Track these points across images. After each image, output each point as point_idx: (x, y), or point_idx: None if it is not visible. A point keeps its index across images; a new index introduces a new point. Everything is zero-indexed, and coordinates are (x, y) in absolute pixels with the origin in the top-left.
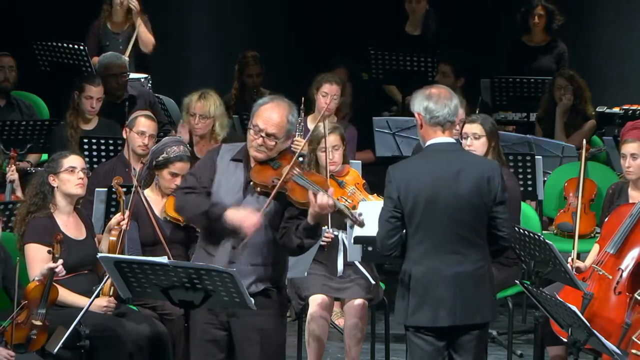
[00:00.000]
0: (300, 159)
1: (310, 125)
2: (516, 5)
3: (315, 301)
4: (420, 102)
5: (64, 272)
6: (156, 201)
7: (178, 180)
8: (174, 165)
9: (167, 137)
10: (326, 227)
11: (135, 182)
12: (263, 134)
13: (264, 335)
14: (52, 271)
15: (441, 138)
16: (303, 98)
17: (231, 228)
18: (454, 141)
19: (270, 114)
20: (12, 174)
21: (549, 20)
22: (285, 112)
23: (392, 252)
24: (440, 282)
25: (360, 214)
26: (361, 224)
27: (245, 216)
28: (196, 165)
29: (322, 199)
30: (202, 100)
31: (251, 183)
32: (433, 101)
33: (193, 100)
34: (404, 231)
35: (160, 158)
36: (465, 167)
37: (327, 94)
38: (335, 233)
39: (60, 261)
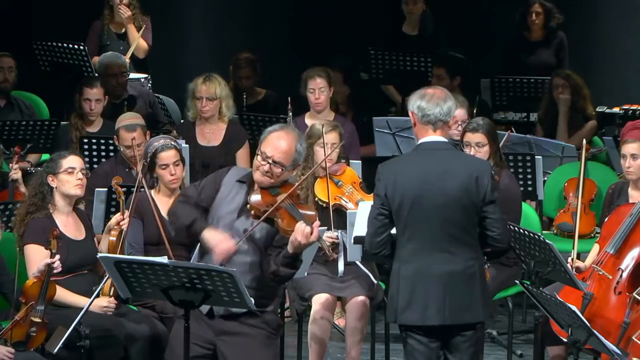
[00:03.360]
0: (299, 192)
1: (308, 122)
2: (513, 4)
3: (319, 300)
4: (414, 101)
5: (61, 268)
6: (162, 201)
7: (172, 171)
8: (159, 158)
9: (152, 138)
10: (330, 230)
11: (140, 175)
12: (270, 161)
13: (248, 355)
14: (49, 267)
15: (432, 137)
16: (290, 98)
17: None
18: (446, 140)
19: (279, 142)
20: (15, 172)
21: (547, 18)
22: (294, 141)
23: (380, 250)
24: (429, 280)
25: (335, 249)
26: (334, 260)
27: (220, 241)
28: (203, 180)
29: (306, 229)
30: (207, 83)
31: (247, 205)
32: (426, 100)
33: (198, 84)
34: (394, 230)
35: (149, 159)
36: (454, 167)
37: (314, 90)
38: (336, 234)
39: (57, 256)
